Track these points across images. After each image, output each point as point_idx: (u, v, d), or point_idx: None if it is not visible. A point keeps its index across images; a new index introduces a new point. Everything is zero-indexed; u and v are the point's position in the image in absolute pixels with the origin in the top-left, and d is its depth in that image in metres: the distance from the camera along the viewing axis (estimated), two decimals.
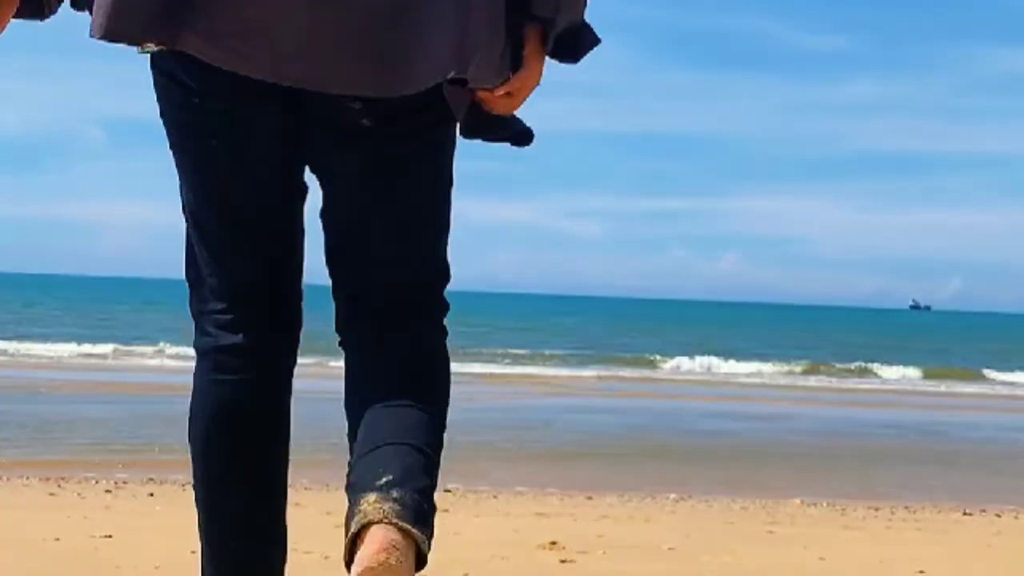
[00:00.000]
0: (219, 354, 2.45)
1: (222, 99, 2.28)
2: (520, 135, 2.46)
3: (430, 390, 2.44)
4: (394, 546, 2.15)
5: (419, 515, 2.20)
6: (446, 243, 2.46)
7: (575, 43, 2.39)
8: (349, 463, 2.34)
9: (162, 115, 2.43)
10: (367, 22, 2.17)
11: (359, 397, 2.41)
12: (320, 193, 2.45)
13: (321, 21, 2.17)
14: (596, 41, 2.42)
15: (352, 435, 2.38)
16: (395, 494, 2.19)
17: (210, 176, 2.38)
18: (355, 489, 2.25)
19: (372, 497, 2.19)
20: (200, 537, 2.54)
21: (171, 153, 2.43)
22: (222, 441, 2.45)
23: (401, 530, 2.16)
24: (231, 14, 2.18)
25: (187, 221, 2.49)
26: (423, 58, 2.21)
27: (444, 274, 2.49)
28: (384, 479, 2.21)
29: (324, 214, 2.44)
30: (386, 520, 2.16)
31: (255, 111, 2.30)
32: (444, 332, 2.49)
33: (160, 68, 2.36)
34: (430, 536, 2.23)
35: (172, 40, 2.22)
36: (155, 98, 2.41)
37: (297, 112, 2.31)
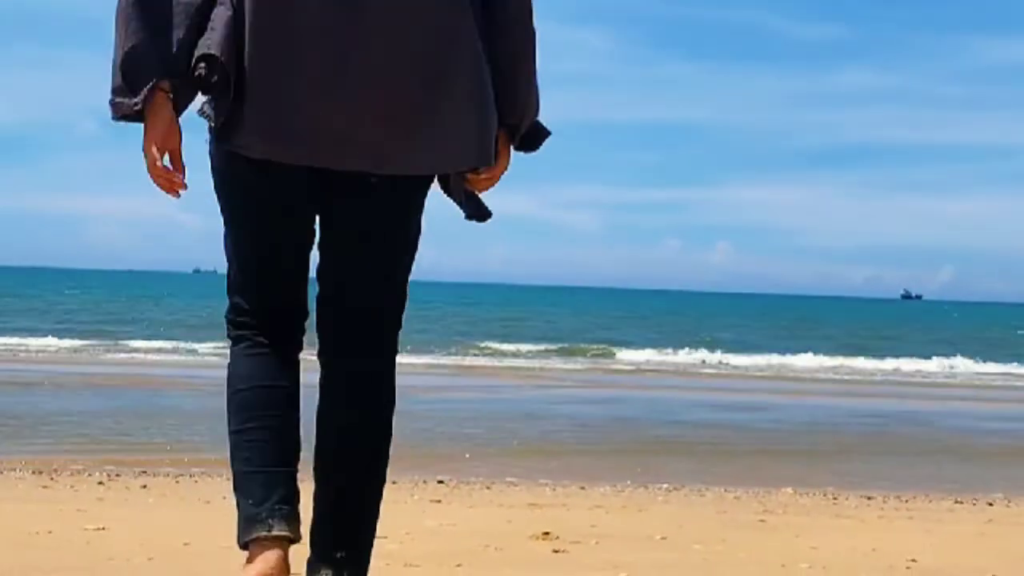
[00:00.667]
0: (251, 341, 3.05)
1: (273, 177, 2.89)
2: (483, 213, 3.14)
3: (387, 423, 3.16)
4: None
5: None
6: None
7: (533, 139, 3.13)
8: (316, 478, 3.14)
9: (215, 171, 2.98)
10: (408, 111, 2.82)
11: (334, 431, 3.11)
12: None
13: (368, 110, 2.79)
14: (548, 134, 3.14)
15: (321, 451, 3.11)
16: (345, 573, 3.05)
17: (251, 229, 2.99)
18: (316, 554, 3.09)
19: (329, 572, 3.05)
20: (233, 467, 3.16)
21: (221, 207, 3.02)
22: (254, 388, 3.04)
23: None
24: (294, 119, 2.80)
25: (229, 260, 3.07)
26: (452, 148, 2.91)
27: (405, 304, 3.12)
28: (339, 554, 3.07)
29: (323, 260, 3.04)
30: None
31: (293, 185, 2.92)
32: (396, 350, 3.13)
33: (220, 142, 2.91)
34: None
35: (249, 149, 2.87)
36: (209, 156, 2.97)
37: (323, 179, 2.91)
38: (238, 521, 3.07)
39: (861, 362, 31.47)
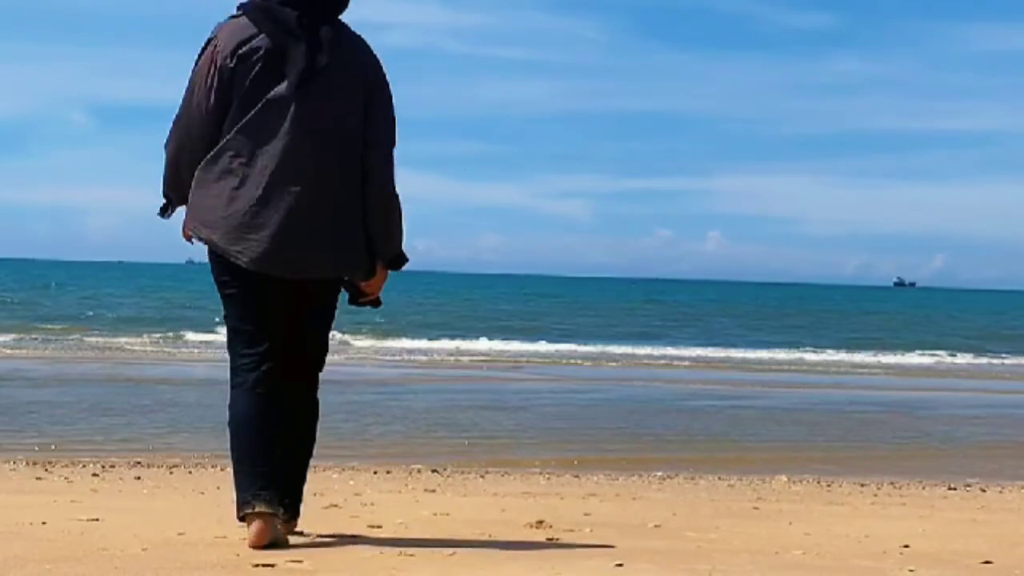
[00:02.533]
0: (253, 383, 4.62)
1: (254, 278, 4.55)
2: (376, 302, 4.80)
3: (313, 424, 4.84)
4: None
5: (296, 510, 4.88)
6: None
7: (396, 263, 4.71)
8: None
9: (214, 274, 4.65)
10: (321, 243, 4.52)
11: (280, 427, 4.67)
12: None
13: (297, 246, 4.50)
14: (407, 260, 4.71)
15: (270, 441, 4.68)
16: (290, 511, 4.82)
17: (247, 311, 4.60)
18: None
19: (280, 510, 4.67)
20: (232, 466, 4.69)
21: (222, 295, 4.66)
22: (253, 417, 4.61)
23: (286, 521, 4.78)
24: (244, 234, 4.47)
25: (228, 327, 4.69)
26: (349, 264, 4.62)
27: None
28: (286, 501, 4.73)
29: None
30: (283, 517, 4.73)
31: (272, 285, 4.57)
32: (318, 382, 4.85)
33: (215, 253, 4.57)
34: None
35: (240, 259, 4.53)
36: (209, 261, 4.64)
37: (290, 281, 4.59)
38: (236, 503, 4.64)
39: (854, 352, 31.48)
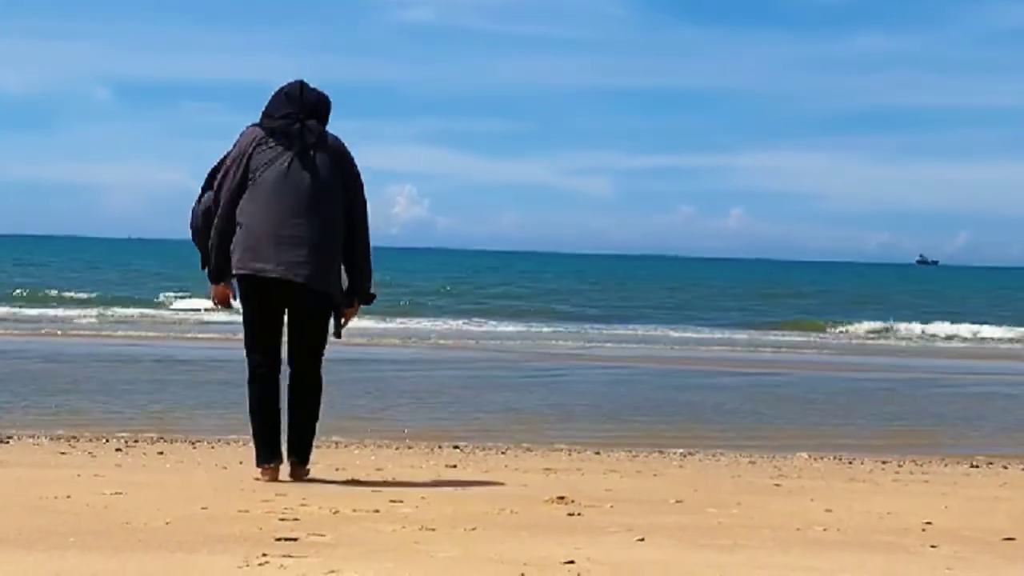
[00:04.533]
0: (260, 374, 6.25)
1: (263, 290, 6.15)
2: (339, 333, 6.32)
3: (312, 398, 6.31)
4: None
5: (306, 459, 6.33)
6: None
7: (367, 299, 6.34)
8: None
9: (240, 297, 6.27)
10: (309, 257, 6.07)
11: (277, 406, 6.28)
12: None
13: (295, 257, 6.08)
14: (375, 297, 6.37)
15: (290, 409, 6.33)
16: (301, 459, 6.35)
17: (257, 319, 6.21)
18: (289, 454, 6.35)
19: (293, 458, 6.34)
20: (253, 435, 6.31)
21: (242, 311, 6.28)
22: (262, 399, 6.26)
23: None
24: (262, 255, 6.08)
25: (245, 329, 6.27)
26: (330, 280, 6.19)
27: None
28: (293, 458, 6.32)
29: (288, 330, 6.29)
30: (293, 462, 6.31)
31: (274, 294, 6.16)
32: (318, 365, 6.33)
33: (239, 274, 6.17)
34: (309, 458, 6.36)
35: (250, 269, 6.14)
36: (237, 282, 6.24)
37: (285, 290, 6.14)
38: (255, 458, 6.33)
39: (876, 326, 31.37)
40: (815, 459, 8.96)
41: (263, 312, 6.16)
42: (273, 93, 6.27)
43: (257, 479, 6.22)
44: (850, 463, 8.76)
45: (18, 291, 34.53)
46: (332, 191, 6.12)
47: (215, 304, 6.37)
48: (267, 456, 6.23)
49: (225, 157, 6.19)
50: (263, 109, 6.27)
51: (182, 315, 28.48)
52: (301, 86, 6.24)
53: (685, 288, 56.99)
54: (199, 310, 27.51)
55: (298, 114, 6.16)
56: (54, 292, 35.06)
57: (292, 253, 6.04)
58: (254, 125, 6.22)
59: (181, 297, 33.69)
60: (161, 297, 34.49)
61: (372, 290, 6.35)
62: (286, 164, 6.07)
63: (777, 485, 7.02)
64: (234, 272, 6.12)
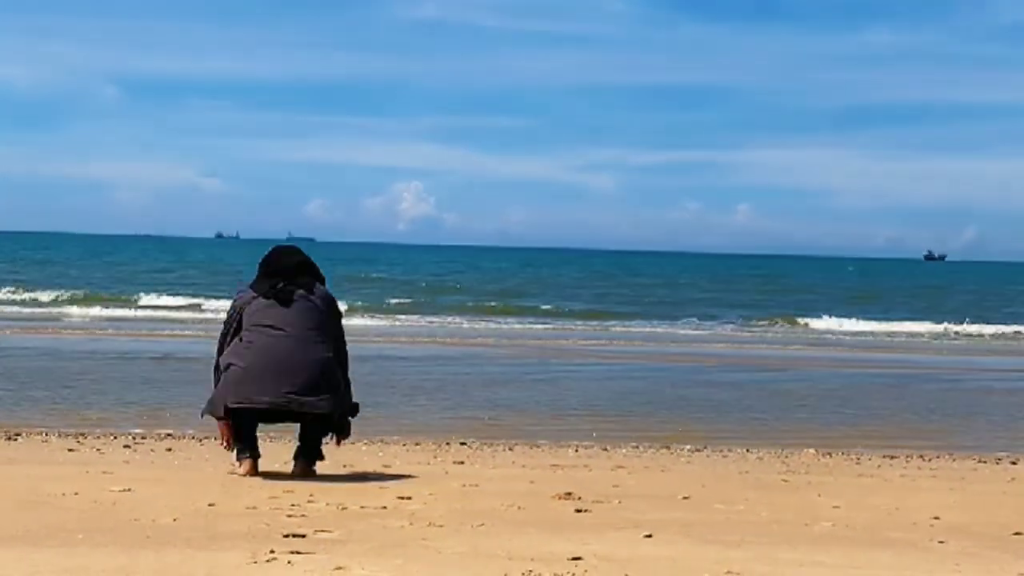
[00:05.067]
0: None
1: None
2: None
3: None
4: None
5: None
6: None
7: (355, 409, 6.67)
8: None
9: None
10: (301, 383, 6.39)
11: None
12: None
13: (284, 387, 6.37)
14: (358, 408, 6.71)
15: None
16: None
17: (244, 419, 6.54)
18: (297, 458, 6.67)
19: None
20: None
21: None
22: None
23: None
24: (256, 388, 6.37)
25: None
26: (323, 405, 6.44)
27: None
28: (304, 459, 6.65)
29: None
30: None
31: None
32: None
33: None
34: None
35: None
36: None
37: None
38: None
39: (881, 324, 31.33)
40: (823, 455, 8.95)
41: (251, 418, 6.48)
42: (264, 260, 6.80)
43: (232, 473, 6.43)
44: (858, 459, 8.75)
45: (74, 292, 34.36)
46: (321, 332, 6.53)
47: (224, 443, 6.54)
48: (244, 449, 6.49)
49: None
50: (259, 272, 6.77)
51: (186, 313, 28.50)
52: (278, 254, 6.79)
53: (691, 284, 56.94)
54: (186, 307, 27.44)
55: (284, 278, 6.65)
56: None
57: (289, 384, 6.33)
58: (245, 289, 6.73)
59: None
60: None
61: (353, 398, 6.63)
62: (274, 315, 6.51)
63: (785, 481, 7.01)
64: (230, 405, 6.36)
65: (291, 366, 6.35)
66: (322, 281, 6.78)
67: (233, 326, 6.56)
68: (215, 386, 6.49)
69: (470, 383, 13.95)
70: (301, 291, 6.56)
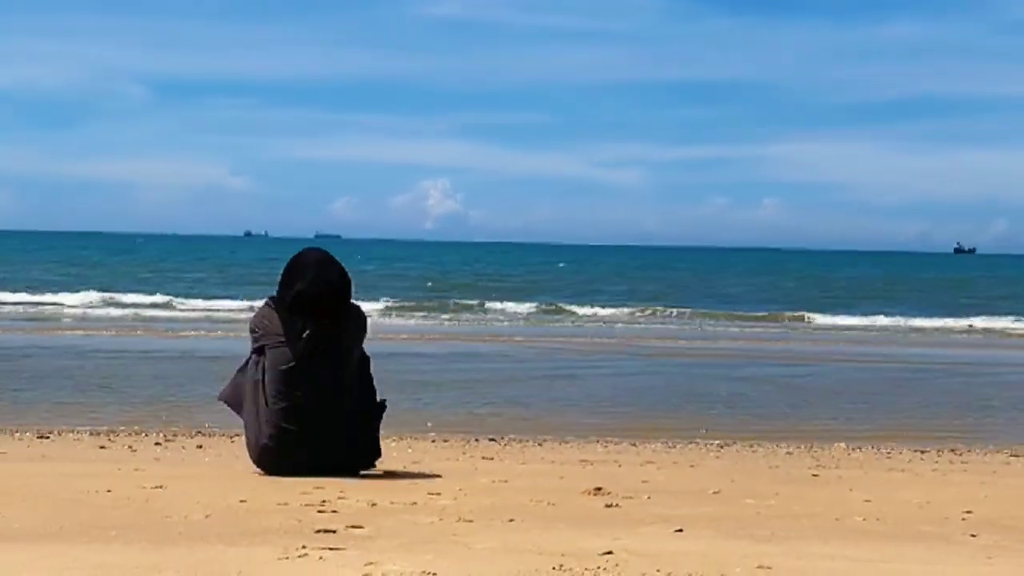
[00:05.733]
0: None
1: None
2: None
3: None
4: None
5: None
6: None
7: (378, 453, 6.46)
8: None
9: None
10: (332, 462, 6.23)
11: None
12: None
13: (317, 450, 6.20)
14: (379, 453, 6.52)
15: None
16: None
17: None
18: None
19: None
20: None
21: None
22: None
23: None
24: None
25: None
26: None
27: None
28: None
29: None
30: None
31: None
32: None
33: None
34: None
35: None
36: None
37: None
38: None
39: (908, 320, 31.17)
40: (853, 449, 8.92)
41: None
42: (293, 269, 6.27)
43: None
44: (888, 453, 8.72)
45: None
46: (352, 374, 6.24)
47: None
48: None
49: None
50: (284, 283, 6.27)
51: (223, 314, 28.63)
52: (306, 281, 6.17)
53: (718, 278, 56.81)
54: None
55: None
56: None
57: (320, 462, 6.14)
58: (270, 306, 6.28)
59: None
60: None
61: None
62: (296, 364, 6.14)
63: (815, 475, 6.99)
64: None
65: (323, 452, 6.12)
66: (350, 295, 6.26)
67: (255, 348, 6.21)
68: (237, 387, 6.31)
69: (498, 379, 13.96)
70: (330, 334, 6.10)
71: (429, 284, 43.42)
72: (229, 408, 6.44)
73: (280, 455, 6.13)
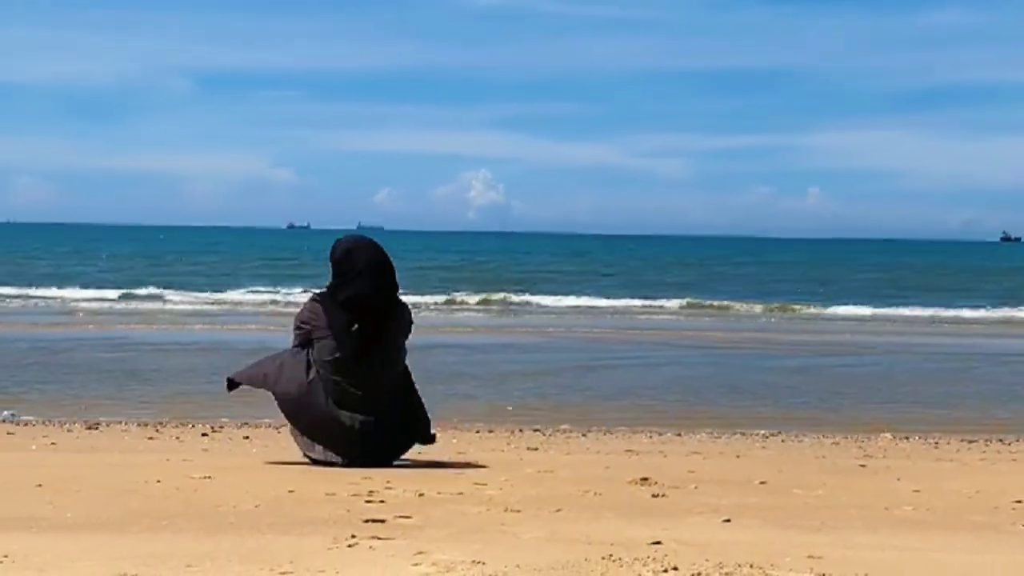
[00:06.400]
0: None
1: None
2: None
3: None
4: None
5: None
6: None
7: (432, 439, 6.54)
8: None
9: None
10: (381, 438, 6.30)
11: None
12: None
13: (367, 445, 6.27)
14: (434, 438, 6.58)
15: None
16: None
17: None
18: None
19: None
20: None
21: None
22: None
23: None
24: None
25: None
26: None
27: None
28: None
29: None
30: None
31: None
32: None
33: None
34: None
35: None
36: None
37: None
38: None
39: (952, 310, 30.92)
40: (900, 439, 8.87)
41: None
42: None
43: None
44: (936, 443, 8.66)
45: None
46: (398, 364, 6.35)
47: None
48: None
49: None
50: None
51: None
52: (355, 272, 6.25)
53: (760, 267, 56.56)
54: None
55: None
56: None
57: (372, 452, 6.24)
58: (316, 300, 6.34)
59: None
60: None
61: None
62: (345, 360, 6.22)
63: (862, 466, 6.96)
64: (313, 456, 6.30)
65: (374, 441, 6.20)
66: (397, 286, 6.36)
67: (300, 341, 6.29)
68: (272, 371, 6.31)
69: (542, 371, 13.96)
70: (378, 332, 6.19)
71: (473, 276, 43.55)
72: (249, 386, 6.48)
73: (326, 438, 6.22)
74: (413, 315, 6.47)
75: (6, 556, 3.89)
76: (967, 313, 29.57)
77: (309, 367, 6.23)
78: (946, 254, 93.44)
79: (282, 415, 6.42)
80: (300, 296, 28.77)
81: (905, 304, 31.84)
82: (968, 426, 9.90)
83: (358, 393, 6.19)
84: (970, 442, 8.71)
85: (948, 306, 31.11)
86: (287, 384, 6.25)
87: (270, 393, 6.37)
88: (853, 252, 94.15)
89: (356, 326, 6.18)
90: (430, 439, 6.45)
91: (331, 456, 6.22)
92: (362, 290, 6.21)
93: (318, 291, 6.43)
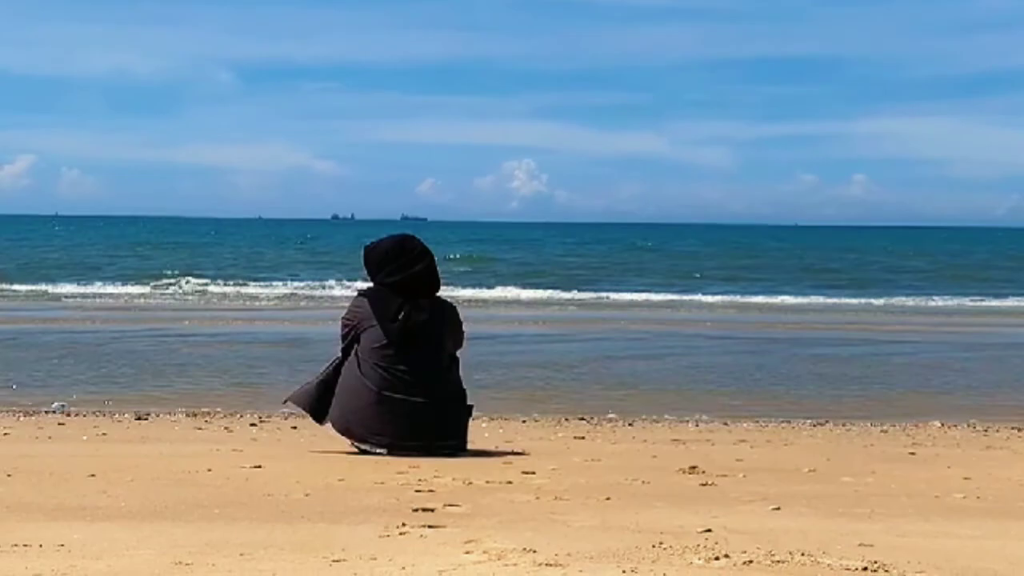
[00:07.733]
0: None
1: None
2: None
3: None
4: None
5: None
6: None
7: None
8: None
9: None
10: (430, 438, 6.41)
11: None
12: None
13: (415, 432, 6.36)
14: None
15: None
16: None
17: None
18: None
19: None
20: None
21: None
22: None
23: None
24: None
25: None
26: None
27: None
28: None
29: None
30: None
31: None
32: None
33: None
34: None
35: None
36: None
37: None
38: None
39: (1003, 299, 30.65)
40: (949, 427, 8.82)
41: None
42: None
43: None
44: (985, 431, 8.60)
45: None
46: (443, 350, 6.53)
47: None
48: None
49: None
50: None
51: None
52: (398, 265, 6.50)
53: (806, 256, 56.26)
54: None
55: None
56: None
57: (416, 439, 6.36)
58: (361, 296, 6.59)
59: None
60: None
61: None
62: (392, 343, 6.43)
63: (912, 454, 6.93)
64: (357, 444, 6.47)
65: (420, 422, 6.31)
66: (439, 284, 6.61)
67: (347, 341, 6.49)
68: (321, 393, 6.56)
69: (585, 359, 13.96)
70: (423, 317, 6.39)
71: (518, 267, 43.58)
72: (299, 410, 6.76)
73: (374, 420, 6.33)
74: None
75: (62, 545, 3.94)
76: (1013, 302, 29.29)
77: (359, 366, 6.41)
78: (992, 241, 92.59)
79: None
80: (345, 288, 28.91)
81: (950, 292, 31.59)
82: (1018, 414, 9.82)
83: (407, 377, 6.34)
84: (1019, 430, 8.64)
85: (996, 295, 30.85)
86: (335, 408, 6.51)
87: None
88: (898, 239, 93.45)
89: (402, 313, 6.37)
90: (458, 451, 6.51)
91: (384, 442, 6.32)
92: (417, 270, 6.48)
93: (362, 287, 6.66)
